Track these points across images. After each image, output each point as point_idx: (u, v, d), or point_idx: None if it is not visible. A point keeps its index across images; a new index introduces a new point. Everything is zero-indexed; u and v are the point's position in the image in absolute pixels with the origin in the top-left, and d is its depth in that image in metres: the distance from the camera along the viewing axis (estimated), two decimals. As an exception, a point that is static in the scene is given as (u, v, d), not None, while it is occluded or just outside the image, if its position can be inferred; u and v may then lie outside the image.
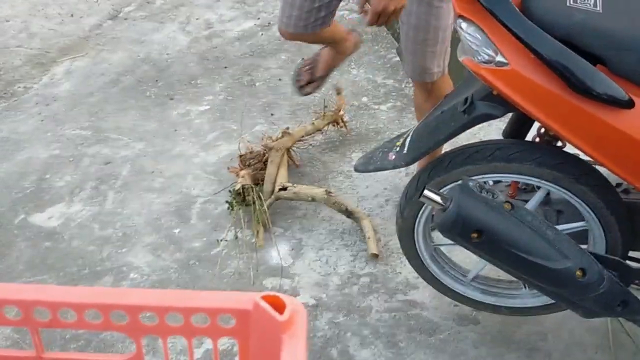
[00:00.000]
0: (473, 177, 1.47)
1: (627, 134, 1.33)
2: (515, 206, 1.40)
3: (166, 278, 2.12)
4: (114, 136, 2.72)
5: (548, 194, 1.61)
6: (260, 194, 2.23)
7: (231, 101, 2.83)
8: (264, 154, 2.32)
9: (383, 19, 1.72)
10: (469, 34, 1.38)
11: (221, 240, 2.21)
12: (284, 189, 2.24)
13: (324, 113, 2.52)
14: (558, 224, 1.62)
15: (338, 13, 2.23)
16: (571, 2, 1.35)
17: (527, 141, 1.61)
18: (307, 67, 2.39)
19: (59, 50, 3.24)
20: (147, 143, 2.67)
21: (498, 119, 1.57)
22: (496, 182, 1.72)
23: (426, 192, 1.39)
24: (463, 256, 1.93)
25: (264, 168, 2.30)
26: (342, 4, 2.10)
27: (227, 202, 2.29)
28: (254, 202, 2.21)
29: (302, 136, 2.45)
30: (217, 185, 2.44)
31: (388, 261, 2.12)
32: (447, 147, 1.81)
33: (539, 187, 1.57)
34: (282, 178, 2.28)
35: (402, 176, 2.42)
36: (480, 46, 1.36)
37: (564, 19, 1.32)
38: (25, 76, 3.08)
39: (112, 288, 2.01)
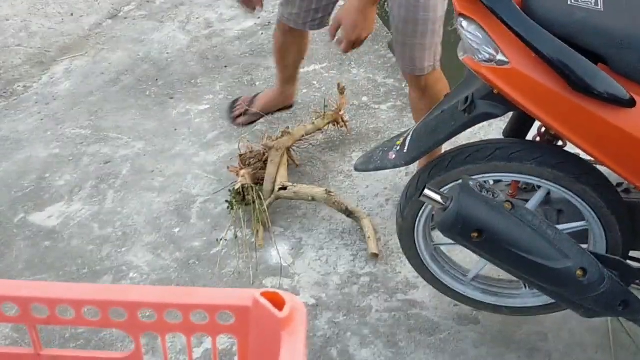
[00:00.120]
0: (473, 177, 1.47)
1: (628, 133, 1.33)
2: (515, 206, 1.40)
3: (166, 277, 2.12)
4: (114, 135, 2.71)
5: (548, 193, 1.61)
6: (260, 194, 2.23)
7: (231, 100, 2.83)
8: (264, 154, 2.32)
9: (357, 45, 1.85)
10: (470, 32, 1.37)
11: (221, 240, 2.21)
12: (284, 188, 2.24)
13: (324, 112, 2.52)
14: (558, 224, 1.62)
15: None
16: (572, 1, 1.35)
17: (527, 140, 1.61)
18: (246, 100, 2.57)
19: (59, 49, 3.24)
20: (146, 142, 2.67)
21: (498, 118, 1.57)
22: (496, 182, 1.72)
23: (426, 191, 1.39)
24: (463, 256, 1.93)
25: (264, 167, 2.30)
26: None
27: (226, 201, 2.29)
28: (253, 202, 2.21)
29: (302, 136, 2.45)
30: (217, 185, 2.44)
31: (388, 261, 2.12)
32: (447, 147, 1.81)
33: (539, 187, 1.57)
34: (282, 177, 2.28)
35: (403, 176, 2.42)
36: (480, 45, 1.36)
37: (565, 17, 1.32)
38: (25, 75, 3.08)
39: (110, 285, 2.02)
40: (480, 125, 2.41)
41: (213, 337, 0.78)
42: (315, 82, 2.90)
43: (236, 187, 2.25)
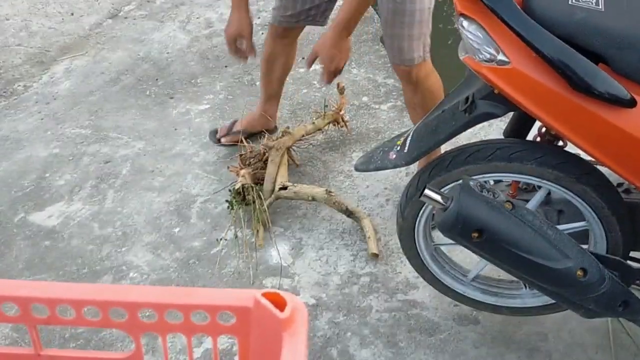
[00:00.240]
0: (474, 177, 1.47)
1: (628, 133, 1.33)
2: (516, 206, 1.40)
3: (166, 277, 2.11)
4: (114, 135, 2.71)
5: (549, 193, 1.61)
6: (260, 193, 2.23)
7: (231, 100, 2.83)
8: (264, 153, 2.32)
9: (338, 74, 2.00)
10: (470, 32, 1.37)
11: (221, 240, 2.21)
12: (284, 188, 2.24)
13: (325, 112, 2.52)
14: (559, 224, 1.62)
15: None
16: (573, 1, 1.34)
17: (528, 141, 1.61)
18: (224, 128, 2.57)
19: (59, 49, 3.24)
20: (147, 142, 2.67)
21: (499, 118, 1.56)
22: (497, 182, 1.72)
23: (427, 191, 1.39)
24: (463, 256, 1.93)
25: (264, 167, 2.30)
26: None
27: (227, 201, 2.28)
28: (253, 202, 2.21)
29: (303, 135, 2.45)
30: (217, 185, 2.44)
31: (388, 261, 2.12)
32: (447, 147, 1.81)
33: (539, 187, 1.57)
34: (282, 177, 2.28)
35: (403, 176, 2.41)
36: (481, 44, 1.36)
37: (565, 17, 1.32)
38: (25, 75, 3.08)
39: (111, 285, 2.02)
40: (481, 125, 2.41)
41: (214, 338, 0.78)
42: (315, 82, 2.89)
43: (236, 187, 2.25)
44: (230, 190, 2.30)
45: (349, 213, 2.20)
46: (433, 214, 1.66)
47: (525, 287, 1.73)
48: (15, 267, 2.16)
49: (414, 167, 2.27)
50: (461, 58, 1.46)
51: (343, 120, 2.56)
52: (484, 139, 2.32)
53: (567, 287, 1.43)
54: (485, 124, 2.44)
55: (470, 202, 1.36)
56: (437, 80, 2.13)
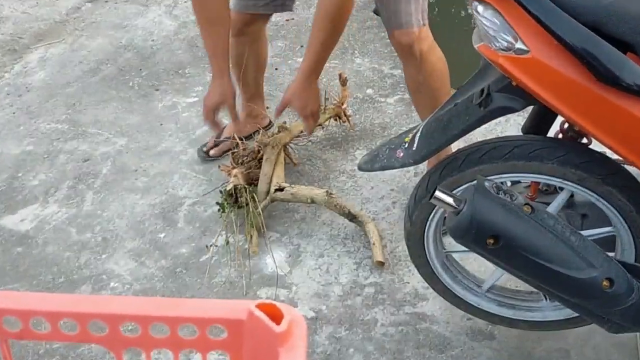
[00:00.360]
0: (489, 177, 1.47)
1: (659, 130, 1.33)
2: (535, 209, 1.40)
3: (150, 287, 2.12)
4: (93, 131, 2.72)
5: (572, 195, 1.61)
6: (255, 195, 2.23)
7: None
8: (258, 151, 2.32)
9: (316, 119, 2.18)
10: (486, 18, 1.37)
11: (211, 246, 2.21)
12: (281, 189, 2.24)
13: (325, 106, 2.52)
14: (583, 229, 1.62)
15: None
16: (599, -16, 1.34)
17: (549, 137, 1.61)
18: (212, 139, 2.58)
19: (33, 35, 3.24)
20: (129, 138, 2.67)
21: (517, 113, 1.57)
22: (515, 183, 1.72)
23: (437, 193, 1.39)
24: (478, 264, 1.93)
25: (259, 166, 2.30)
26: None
27: (217, 203, 2.29)
28: (247, 204, 2.21)
29: (301, 131, 2.45)
30: (207, 186, 2.44)
31: (395, 270, 2.12)
32: (460, 144, 1.81)
33: (561, 189, 1.57)
34: (279, 178, 2.28)
35: (411, 176, 2.42)
36: (498, 32, 1.36)
37: (591, 2, 1.32)
38: (-4, 64, 3.08)
39: (90, 295, 2.02)
40: (497, 120, 2.41)
41: (203, 354, 0.78)
42: (315, 73, 2.89)
43: (228, 188, 2.25)
44: (221, 192, 2.31)
45: (352, 217, 2.20)
46: (444, 218, 1.66)
47: (546, 298, 1.73)
48: (-15, 276, 2.16)
49: (423, 167, 2.27)
50: (476, 47, 1.46)
51: (345, 115, 2.57)
52: (500, 135, 2.32)
53: (591, 299, 1.43)
54: (501, 119, 2.45)
55: (485, 204, 1.36)
56: (442, 58, 2.15)
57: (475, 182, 1.45)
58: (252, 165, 2.32)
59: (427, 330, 1.95)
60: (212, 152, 2.56)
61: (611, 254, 1.50)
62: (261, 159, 2.31)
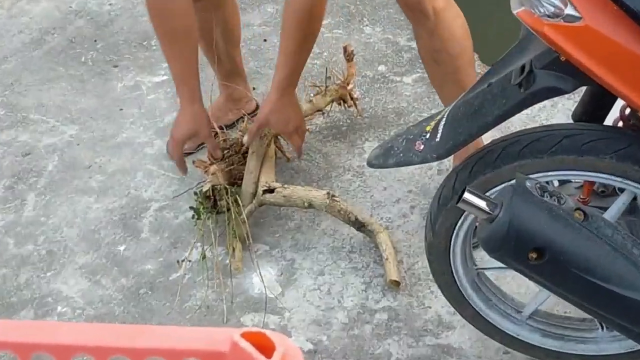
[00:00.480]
0: (532, 176, 1.47)
1: None
2: (589, 216, 1.40)
3: (107, 313, 2.12)
4: (36, 117, 2.71)
5: (634, 199, 1.61)
6: (238, 198, 2.23)
7: (202, 66, 2.82)
8: (242, 143, 2.32)
9: (303, 136, 2.27)
10: (528, -24, 1.37)
11: (183, 261, 2.21)
12: (271, 190, 2.24)
13: (326, 87, 2.52)
14: (648, 241, 1.62)
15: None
16: None
17: (606, 126, 1.61)
18: None
19: (-39, -2, 3.24)
20: (81, 127, 2.67)
21: (566, 96, 1.57)
22: (563, 183, 1.72)
23: (467, 195, 1.39)
24: (517, 284, 1.93)
25: (243, 162, 2.30)
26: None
27: (191, 208, 2.29)
28: (228, 209, 2.21)
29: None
30: (178, 186, 2.44)
31: (413, 291, 2.12)
32: (494, 134, 1.81)
33: (622, 190, 1.57)
34: (268, 176, 2.28)
35: (434, 174, 2.42)
36: (542, -7, 1.36)
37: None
38: None
39: (32, 321, 2.01)
40: (541, 105, 2.42)
41: (174, 394, 0.78)
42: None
43: (204, 189, 2.25)
44: (196, 194, 2.30)
45: (360, 225, 2.20)
46: (475, 227, 1.66)
47: (602, 327, 1.74)
48: None
49: (449, 163, 2.27)
50: (515, 12, 1.46)
51: (352, 98, 2.56)
52: (545, 123, 2.31)
53: (659, 328, 1.43)
54: (546, 103, 2.45)
55: (526, 209, 1.36)
56: (461, 17, 2.15)
57: (513, 181, 1.46)
58: (235, 161, 2.32)
59: (454, 366, 1.96)
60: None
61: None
62: (246, 152, 2.31)
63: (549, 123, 2.35)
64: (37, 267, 2.24)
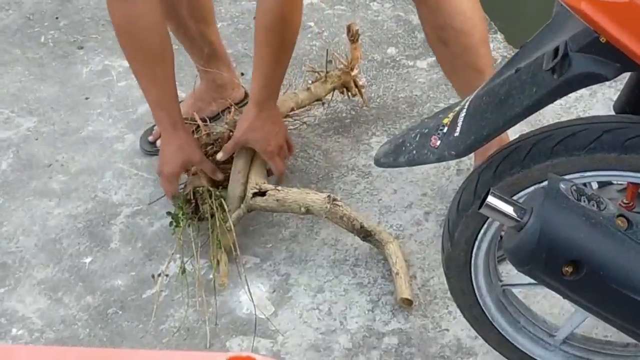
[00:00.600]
0: (566, 177, 1.47)
1: None
2: (633, 223, 1.40)
3: (70, 336, 2.12)
4: (-12, 107, 2.72)
5: (687, 204, 1.61)
6: (223, 202, 2.23)
7: (177, 51, 2.82)
8: (229, 138, 2.33)
9: (286, 154, 2.36)
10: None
11: (159, 276, 2.21)
12: (262, 193, 2.24)
13: (327, 72, 2.52)
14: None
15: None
16: None
17: (653, 119, 1.61)
18: None
19: None
20: (40, 119, 2.67)
21: (607, 83, 1.57)
22: (603, 185, 1.72)
23: (490, 199, 1.39)
24: (549, 303, 1.93)
25: (230, 160, 2.30)
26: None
27: (169, 214, 2.29)
28: (212, 215, 2.21)
29: (292, 109, 2.45)
30: (154, 188, 2.44)
31: (428, 311, 2.12)
32: (522, 128, 1.81)
33: (672, 193, 1.57)
34: (258, 176, 2.28)
35: (452, 174, 2.42)
36: (580, -37, 1.36)
37: None
38: None
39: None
40: (578, 94, 2.42)
41: None
42: (312, 24, 2.90)
43: (185, 192, 2.25)
44: (175, 197, 2.31)
45: (366, 234, 2.20)
46: (500, 237, 1.66)
47: (648, 353, 1.74)
48: None
49: (470, 162, 2.27)
50: (547, -15, 1.47)
51: (356, 85, 2.57)
52: (582, 115, 2.31)
53: None
54: (584, 92, 2.45)
55: (560, 216, 1.36)
56: None
57: (545, 183, 1.46)
58: (220, 159, 2.32)
59: (475, 399, 1.96)
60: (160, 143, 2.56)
61: None
62: (233, 149, 2.31)
63: (586, 115, 2.35)
64: (-11, 282, 2.24)
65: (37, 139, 2.61)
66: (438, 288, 2.15)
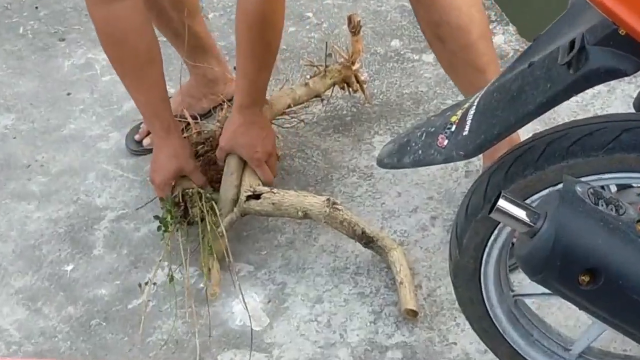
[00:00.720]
0: (583, 179, 1.47)
1: None
2: (655, 229, 1.40)
3: (50, 349, 2.12)
4: (-38, 103, 2.72)
5: None
6: (215, 205, 2.23)
7: (164, 43, 2.83)
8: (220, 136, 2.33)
9: (275, 162, 2.36)
10: None
11: (146, 285, 2.21)
12: (256, 196, 2.24)
13: (326, 66, 2.52)
14: None
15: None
16: None
17: (677, 117, 1.61)
18: None
19: None
20: (18, 115, 2.67)
21: (627, 79, 1.57)
22: (623, 188, 1.73)
23: (502, 203, 1.39)
24: (564, 315, 1.93)
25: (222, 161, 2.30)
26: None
27: (156, 218, 2.29)
28: (202, 219, 2.21)
29: (288, 106, 2.45)
30: (140, 190, 2.44)
31: (434, 323, 2.12)
32: (535, 127, 1.81)
33: (696, 198, 1.57)
34: (253, 178, 2.28)
35: (460, 176, 2.42)
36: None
37: None
38: None
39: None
40: (596, 89, 2.42)
41: None
42: (310, 14, 2.90)
43: (173, 195, 2.25)
44: (162, 200, 2.31)
45: (368, 240, 2.20)
46: (512, 243, 1.66)
47: (670, 369, 1.74)
48: None
49: (479, 163, 2.27)
50: (562, -26, 1.47)
51: (358, 81, 2.57)
52: (599, 113, 2.32)
53: None
54: (602, 88, 2.45)
55: (576, 221, 1.36)
56: None
57: (560, 185, 1.46)
58: (212, 159, 2.32)
59: (485, 418, 1.96)
60: (147, 141, 2.57)
61: None
62: (226, 148, 2.32)
63: (604, 113, 2.35)
64: (-37, 291, 2.24)
65: (15, 138, 2.61)
66: (445, 298, 2.15)
